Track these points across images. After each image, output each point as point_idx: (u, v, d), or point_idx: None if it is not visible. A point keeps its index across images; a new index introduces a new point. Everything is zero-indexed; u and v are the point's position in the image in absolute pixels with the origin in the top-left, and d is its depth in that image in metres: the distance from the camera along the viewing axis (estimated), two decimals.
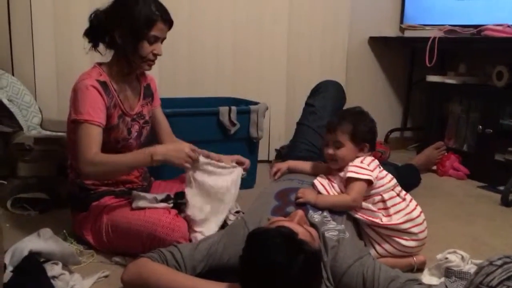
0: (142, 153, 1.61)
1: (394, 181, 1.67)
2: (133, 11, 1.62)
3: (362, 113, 1.73)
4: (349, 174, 1.60)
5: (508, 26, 2.66)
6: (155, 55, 1.70)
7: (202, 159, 1.67)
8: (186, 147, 1.60)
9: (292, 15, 2.99)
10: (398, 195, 1.65)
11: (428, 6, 3.27)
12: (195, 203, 1.66)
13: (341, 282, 1.35)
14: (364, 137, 1.67)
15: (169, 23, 1.69)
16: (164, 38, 1.71)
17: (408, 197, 1.69)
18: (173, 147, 1.64)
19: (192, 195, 1.66)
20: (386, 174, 1.67)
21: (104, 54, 1.74)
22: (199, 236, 1.61)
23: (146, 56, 1.67)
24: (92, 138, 1.60)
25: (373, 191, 1.62)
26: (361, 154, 1.67)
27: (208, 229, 1.66)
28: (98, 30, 1.69)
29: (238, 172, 1.81)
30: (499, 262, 0.93)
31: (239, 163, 1.87)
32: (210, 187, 1.70)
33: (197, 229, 1.64)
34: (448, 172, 2.84)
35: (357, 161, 1.64)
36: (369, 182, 1.60)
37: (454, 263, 1.49)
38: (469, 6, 3.01)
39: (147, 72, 1.89)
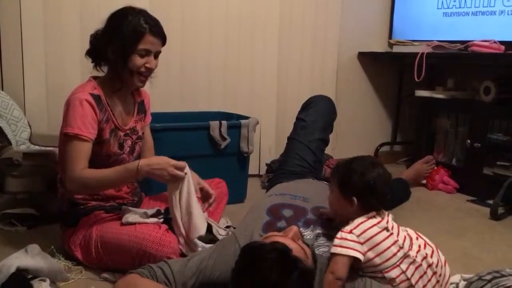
0: (126, 168, 1.61)
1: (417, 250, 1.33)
2: (122, 26, 1.63)
3: (371, 163, 1.44)
4: (332, 249, 1.32)
5: (495, 42, 2.71)
6: (148, 69, 1.69)
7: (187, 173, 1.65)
8: (169, 166, 1.58)
9: (282, 30, 3.02)
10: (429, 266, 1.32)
11: (416, 21, 3.32)
12: (178, 217, 1.64)
13: None
14: (352, 189, 1.38)
15: (160, 36, 1.69)
16: (158, 52, 1.71)
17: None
18: (157, 164, 1.60)
19: (174, 210, 1.64)
20: (393, 245, 1.31)
21: (99, 70, 1.74)
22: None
23: (138, 69, 1.67)
24: (80, 152, 1.60)
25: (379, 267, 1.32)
26: (353, 210, 1.39)
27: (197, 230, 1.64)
28: (97, 49, 1.70)
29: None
30: (488, 277, 0.94)
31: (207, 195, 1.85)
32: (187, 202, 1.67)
33: (191, 236, 1.62)
34: (437, 186, 2.86)
35: (349, 226, 1.34)
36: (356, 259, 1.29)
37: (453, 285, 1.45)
38: (456, 22, 3.06)
39: (142, 88, 1.90)
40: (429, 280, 1.31)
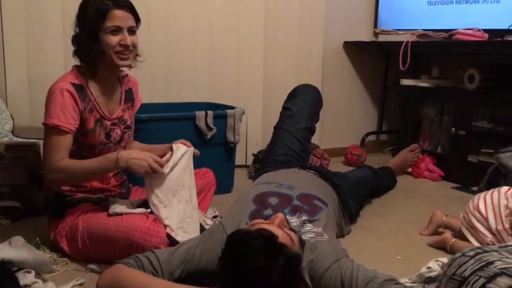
0: (106, 159, 1.61)
1: None
2: (87, 10, 1.61)
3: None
4: None
5: (478, 30, 2.72)
6: (124, 46, 1.63)
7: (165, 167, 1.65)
8: (149, 158, 1.59)
9: (268, 20, 3.01)
10: None
11: (400, 11, 3.33)
12: (157, 204, 1.64)
13: (320, 284, 1.35)
14: None
15: (127, 8, 1.63)
16: (132, 27, 1.65)
17: None
18: (136, 156, 1.60)
19: (153, 203, 1.64)
20: None
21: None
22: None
23: (113, 49, 1.62)
24: (60, 143, 1.59)
25: None
26: None
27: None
28: (78, 45, 1.66)
29: (189, 154, 1.74)
30: (471, 253, 0.94)
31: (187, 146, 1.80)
32: (169, 187, 1.66)
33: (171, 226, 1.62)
34: (423, 174, 2.89)
35: None
36: None
37: (436, 272, 1.49)
38: (440, 10, 3.07)
39: (130, 76, 1.87)
40: None
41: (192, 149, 1.75)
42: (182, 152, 1.71)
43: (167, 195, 1.65)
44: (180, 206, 1.68)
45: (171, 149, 1.71)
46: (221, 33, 2.88)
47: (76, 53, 1.68)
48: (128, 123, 1.82)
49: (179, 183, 1.69)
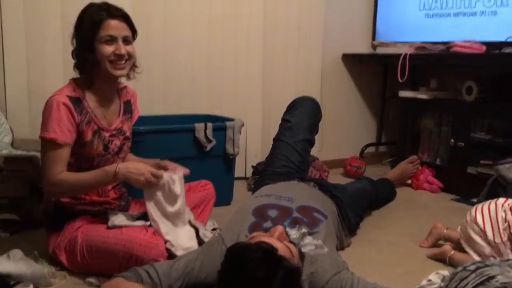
0: (104, 170, 1.62)
1: None
2: (82, 21, 1.63)
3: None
4: None
5: (476, 42, 2.74)
6: (118, 56, 1.64)
7: (165, 176, 1.66)
8: (147, 173, 1.61)
9: (267, 32, 3.02)
10: None
11: (398, 23, 3.35)
12: (157, 219, 1.66)
13: None
14: None
15: (122, 17, 1.64)
16: (127, 37, 1.66)
17: None
18: (134, 169, 1.62)
19: (153, 219, 1.66)
20: None
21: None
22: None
23: (108, 58, 1.62)
24: (57, 157, 1.59)
25: None
26: None
27: (176, 238, 1.65)
28: (77, 57, 1.68)
29: (179, 177, 1.74)
30: (472, 267, 0.94)
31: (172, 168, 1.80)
32: (164, 207, 1.69)
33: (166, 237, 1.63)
34: (422, 185, 2.88)
35: None
36: None
37: (436, 285, 1.48)
38: (438, 23, 3.09)
39: (129, 87, 1.88)
40: None
41: (182, 173, 1.75)
42: (178, 180, 1.71)
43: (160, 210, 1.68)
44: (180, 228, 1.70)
45: (164, 168, 1.71)
46: (220, 45, 2.90)
47: (76, 65, 1.69)
48: (127, 134, 1.82)
49: (180, 211, 1.72)
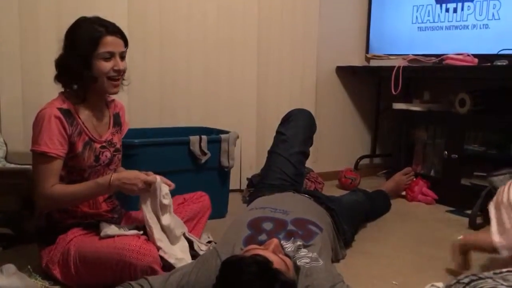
0: (97, 183, 1.63)
1: None
2: (79, 36, 1.62)
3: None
4: None
5: (468, 55, 2.77)
6: (117, 72, 1.66)
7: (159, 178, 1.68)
8: (139, 182, 1.62)
9: (261, 45, 3.04)
10: None
11: (391, 36, 3.39)
12: (152, 225, 1.67)
13: None
14: None
15: (119, 34, 1.66)
16: (123, 53, 1.68)
17: None
18: (127, 179, 1.63)
19: (149, 225, 1.67)
20: None
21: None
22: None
23: (107, 74, 1.64)
24: (48, 170, 1.59)
25: None
26: None
27: (168, 245, 1.67)
28: (64, 70, 1.67)
29: (165, 191, 1.72)
30: (466, 280, 0.94)
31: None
32: (158, 214, 1.70)
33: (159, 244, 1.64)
34: (417, 197, 2.89)
35: None
36: None
37: None
38: (431, 36, 3.13)
39: (117, 101, 1.88)
40: None
41: (167, 188, 1.74)
42: (166, 191, 1.72)
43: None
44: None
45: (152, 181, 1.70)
46: (215, 59, 2.91)
47: (58, 78, 1.68)
48: (118, 146, 1.83)
49: (171, 227, 1.71)
